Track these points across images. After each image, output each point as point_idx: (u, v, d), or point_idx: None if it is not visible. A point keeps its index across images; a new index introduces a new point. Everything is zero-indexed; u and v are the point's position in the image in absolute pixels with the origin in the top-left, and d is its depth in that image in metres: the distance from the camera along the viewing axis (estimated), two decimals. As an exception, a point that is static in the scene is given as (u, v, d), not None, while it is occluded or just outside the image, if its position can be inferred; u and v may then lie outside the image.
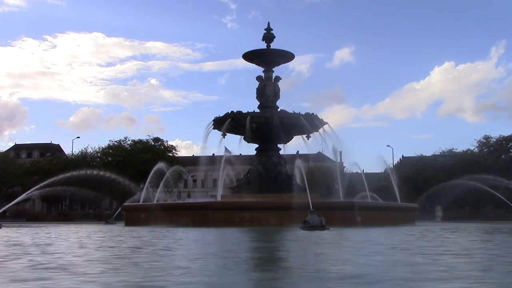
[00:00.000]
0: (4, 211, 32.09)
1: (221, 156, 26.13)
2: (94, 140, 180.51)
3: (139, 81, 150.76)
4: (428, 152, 59.75)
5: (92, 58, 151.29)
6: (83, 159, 57.18)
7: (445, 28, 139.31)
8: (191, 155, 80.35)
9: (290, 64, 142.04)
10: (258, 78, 27.16)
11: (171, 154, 59.07)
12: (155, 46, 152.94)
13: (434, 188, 28.69)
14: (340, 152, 32.21)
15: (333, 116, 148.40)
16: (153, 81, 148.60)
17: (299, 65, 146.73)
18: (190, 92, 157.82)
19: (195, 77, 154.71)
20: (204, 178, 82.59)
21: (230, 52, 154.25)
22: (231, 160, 27.58)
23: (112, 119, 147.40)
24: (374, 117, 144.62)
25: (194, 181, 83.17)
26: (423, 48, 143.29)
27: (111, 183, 41.03)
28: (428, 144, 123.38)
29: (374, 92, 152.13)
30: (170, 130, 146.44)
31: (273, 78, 27.29)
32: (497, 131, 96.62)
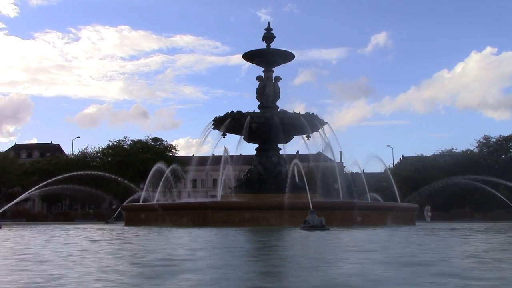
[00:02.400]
0: (4, 211, 32.07)
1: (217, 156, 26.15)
2: (104, 137, 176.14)
3: (160, 75, 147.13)
4: (428, 152, 59.87)
5: (115, 51, 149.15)
6: (83, 159, 57.21)
7: (494, 8, 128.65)
8: (191, 155, 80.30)
9: (320, 56, 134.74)
10: (258, 78, 27.16)
11: (171, 154, 59.08)
12: (182, 39, 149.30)
13: (425, 188, 28.59)
14: (340, 152, 32.26)
15: (353, 112, 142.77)
16: (174, 75, 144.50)
17: (329, 55, 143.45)
18: (211, 88, 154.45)
19: (220, 72, 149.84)
20: (205, 178, 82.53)
21: (258, 45, 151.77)
22: (229, 160, 27.56)
23: (124, 115, 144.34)
24: (394, 113, 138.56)
25: (194, 181, 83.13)
26: (465, 30, 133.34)
27: (111, 183, 41.10)
28: (439, 144, 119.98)
29: (401, 82, 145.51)
30: (184, 127, 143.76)
31: (273, 78, 27.30)
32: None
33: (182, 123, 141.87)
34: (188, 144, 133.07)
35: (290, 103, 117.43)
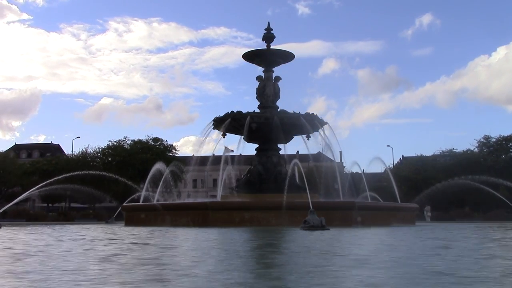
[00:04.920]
0: (4, 211, 32.04)
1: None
2: (116, 131, 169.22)
3: (177, 66, 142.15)
4: (428, 152, 59.79)
5: (142, 43, 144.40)
6: (83, 159, 57.22)
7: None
8: (191, 154, 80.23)
9: (355, 48, 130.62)
10: (258, 78, 27.18)
11: (171, 154, 59.12)
12: (214, 31, 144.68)
13: (429, 189, 28.62)
14: (340, 152, 32.25)
15: (377, 106, 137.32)
16: (193, 68, 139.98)
17: (364, 48, 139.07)
18: (235, 83, 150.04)
19: (248, 65, 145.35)
20: (204, 178, 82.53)
21: (289, 39, 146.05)
22: (230, 160, 27.60)
23: (137, 109, 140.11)
24: (416, 109, 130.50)
25: (194, 181, 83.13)
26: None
27: (111, 183, 41.11)
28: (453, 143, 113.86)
29: (434, 72, 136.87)
30: (199, 123, 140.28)
31: (273, 78, 27.32)
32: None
33: (198, 118, 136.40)
34: (198, 142, 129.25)
35: (310, 96, 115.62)
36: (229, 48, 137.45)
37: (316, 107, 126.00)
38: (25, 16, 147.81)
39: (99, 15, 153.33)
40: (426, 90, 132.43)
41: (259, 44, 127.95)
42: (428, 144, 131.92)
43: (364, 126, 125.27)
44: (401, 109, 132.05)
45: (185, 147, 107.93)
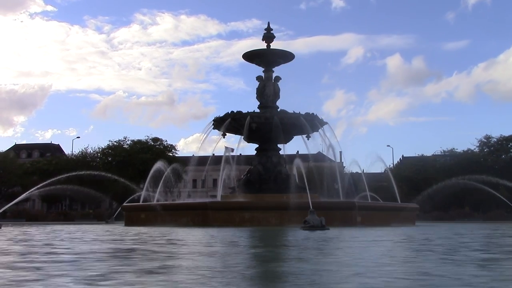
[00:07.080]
0: (4, 211, 32.05)
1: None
2: (122, 130, 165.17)
3: (207, 61, 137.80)
4: (428, 152, 59.74)
5: (167, 36, 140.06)
6: (83, 159, 57.29)
7: None
8: (191, 154, 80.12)
9: (387, 42, 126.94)
10: (258, 78, 27.20)
11: (171, 154, 59.21)
12: (244, 24, 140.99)
13: (428, 190, 28.61)
14: (340, 152, 32.28)
15: (396, 102, 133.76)
16: (221, 61, 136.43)
17: (397, 41, 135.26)
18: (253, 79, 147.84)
19: None
20: (204, 178, 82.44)
21: (319, 31, 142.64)
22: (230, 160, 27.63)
23: (150, 104, 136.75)
24: (436, 103, 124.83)
25: (194, 181, 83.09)
26: None
27: (111, 183, 41.11)
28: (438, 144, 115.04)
29: (464, 62, 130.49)
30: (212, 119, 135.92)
31: (273, 78, 27.33)
32: None
33: (213, 113, 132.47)
34: (203, 140, 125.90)
35: (331, 89, 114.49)
36: (257, 41, 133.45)
37: (336, 100, 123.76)
38: (49, 8, 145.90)
39: (126, 8, 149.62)
40: (451, 83, 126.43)
41: (289, 36, 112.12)
42: (431, 143, 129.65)
43: (379, 123, 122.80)
44: (421, 106, 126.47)
45: (192, 144, 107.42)
